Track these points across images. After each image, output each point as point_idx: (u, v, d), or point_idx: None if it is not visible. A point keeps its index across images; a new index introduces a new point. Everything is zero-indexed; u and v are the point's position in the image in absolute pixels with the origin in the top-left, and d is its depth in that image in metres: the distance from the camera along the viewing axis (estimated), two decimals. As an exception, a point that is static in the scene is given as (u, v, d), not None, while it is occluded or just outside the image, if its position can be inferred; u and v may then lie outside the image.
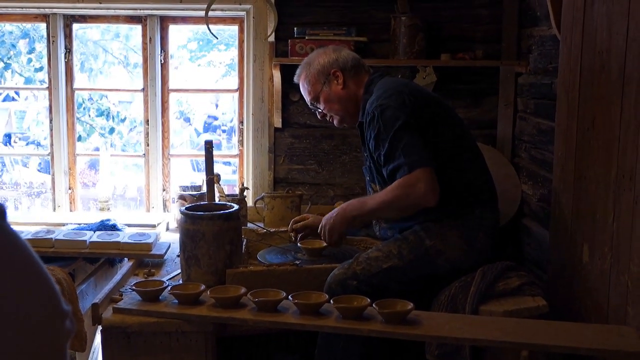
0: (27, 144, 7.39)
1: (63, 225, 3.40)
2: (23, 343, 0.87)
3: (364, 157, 2.86)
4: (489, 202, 2.71)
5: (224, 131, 8.70)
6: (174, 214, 3.70)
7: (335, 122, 2.96)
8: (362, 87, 2.84)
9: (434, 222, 2.61)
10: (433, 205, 2.50)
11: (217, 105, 8.86)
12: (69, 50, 3.90)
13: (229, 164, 7.12)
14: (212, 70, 8.66)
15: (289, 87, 3.73)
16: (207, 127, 8.72)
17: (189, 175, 7.10)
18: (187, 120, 8.67)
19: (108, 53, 8.02)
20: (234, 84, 4.05)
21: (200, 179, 3.77)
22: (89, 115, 7.39)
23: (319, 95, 2.87)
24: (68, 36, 3.89)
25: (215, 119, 8.90)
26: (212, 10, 3.64)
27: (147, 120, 3.95)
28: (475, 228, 2.62)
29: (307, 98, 2.95)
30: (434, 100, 2.78)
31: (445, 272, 2.58)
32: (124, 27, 6.94)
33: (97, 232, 3.06)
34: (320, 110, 2.93)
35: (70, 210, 3.96)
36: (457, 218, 2.61)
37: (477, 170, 2.74)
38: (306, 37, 3.64)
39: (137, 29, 3.95)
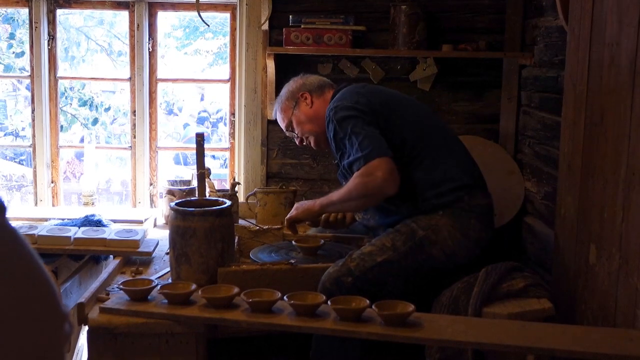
0: (6, 135, 7.34)
1: (45, 220, 3.39)
2: (23, 345, 0.86)
3: (335, 163, 3.01)
4: (476, 187, 2.76)
5: (211, 122, 8.68)
6: (162, 210, 3.69)
7: (312, 144, 3.09)
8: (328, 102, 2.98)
9: (423, 214, 2.66)
10: (393, 193, 2.62)
11: (202, 97, 8.83)
12: (52, 37, 3.88)
13: (216, 157, 7.11)
14: (198, 59, 8.63)
15: (283, 77, 3.70)
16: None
17: (172, 168, 7.08)
18: (171, 112, 8.63)
19: (91, 40, 7.97)
20: (223, 74, 4.03)
21: (185, 172, 3.75)
22: (70, 105, 7.34)
23: (291, 119, 3.05)
24: (51, 22, 3.87)
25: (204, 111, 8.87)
26: (204, -4, 3.63)
27: (134, 111, 3.93)
28: (467, 216, 2.66)
29: (283, 127, 3.14)
30: (395, 96, 2.94)
31: (441, 263, 2.63)
32: (108, 13, 6.90)
33: (82, 228, 3.04)
34: (296, 135, 3.09)
35: (53, 205, 3.94)
36: (445, 207, 2.66)
37: (458, 158, 2.80)
38: (302, 26, 3.63)
39: (122, 14, 3.93)
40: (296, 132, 3.08)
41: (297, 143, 3.16)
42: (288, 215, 2.94)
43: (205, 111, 8.85)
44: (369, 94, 2.83)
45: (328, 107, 2.86)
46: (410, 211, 2.69)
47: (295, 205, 2.96)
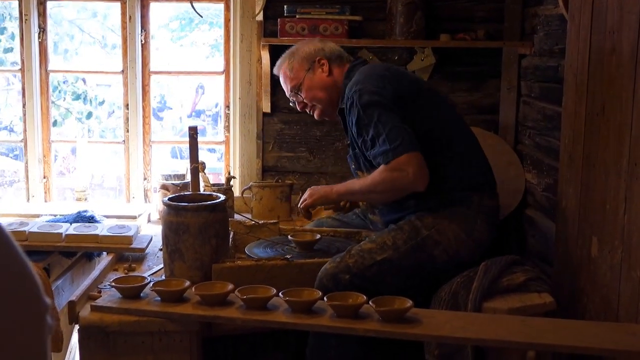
0: (-1, 130, 7.31)
1: (37, 216, 3.37)
2: (3, 336, 0.84)
3: (347, 144, 2.91)
4: (487, 189, 2.71)
5: (208, 116, 8.63)
6: (156, 205, 3.66)
7: (315, 113, 2.99)
8: (344, 75, 2.89)
9: (430, 212, 2.61)
10: (421, 190, 2.55)
11: (203, 90, 8.78)
12: (42, 30, 3.84)
13: (213, 150, 7.08)
14: (194, 51, 8.59)
15: (279, 69, 3.68)
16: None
17: (168, 162, 7.04)
18: (166, 105, 8.59)
19: (84, 33, 7.93)
20: (219, 66, 4.01)
21: (181, 166, 3.72)
22: (64, 99, 7.30)
23: (302, 82, 2.92)
24: (42, 14, 3.83)
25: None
26: (196, -14, 3.59)
27: (127, 105, 3.90)
28: (473, 216, 2.61)
29: (287, 87, 2.99)
30: (419, 84, 2.83)
31: (442, 263, 2.58)
32: (101, 5, 6.86)
33: (74, 224, 3.02)
34: (301, 99, 2.96)
35: (45, 201, 3.92)
36: (453, 206, 2.61)
37: (472, 156, 2.74)
38: (297, 16, 3.60)
39: (116, 6, 3.90)
40: (302, 97, 2.96)
41: (297, 108, 3.05)
42: (302, 202, 2.88)
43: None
44: (394, 79, 2.71)
45: (349, 86, 2.73)
46: (416, 206, 2.63)
47: (309, 190, 2.88)
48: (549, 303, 2.38)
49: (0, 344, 0.84)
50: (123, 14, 3.85)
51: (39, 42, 3.85)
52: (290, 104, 3.05)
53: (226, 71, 3.91)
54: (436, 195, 2.59)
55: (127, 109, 3.90)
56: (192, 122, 8.20)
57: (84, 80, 7.48)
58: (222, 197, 2.66)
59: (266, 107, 3.79)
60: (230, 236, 2.83)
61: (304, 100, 2.96)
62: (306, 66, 2.91)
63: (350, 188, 2.74)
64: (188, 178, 3.47)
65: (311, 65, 2.91)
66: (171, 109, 8.59)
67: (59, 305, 2.72)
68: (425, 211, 2.61)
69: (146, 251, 2.98)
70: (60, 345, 2.59)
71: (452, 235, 2.57)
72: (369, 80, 2.68)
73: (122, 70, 3.90)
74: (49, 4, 3.87)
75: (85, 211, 3.26)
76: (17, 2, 3.81)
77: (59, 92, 7.10)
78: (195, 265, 2.53)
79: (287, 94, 3.02)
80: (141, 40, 3.87)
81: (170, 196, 2.70)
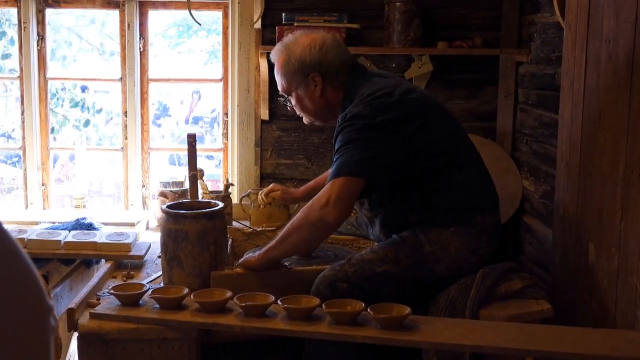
0: (-2, 137, 7.31)
1: (36, 223, 3.38)
2: (8, 337, 0.85)
3: None
4: (490, 207, 2.65)
5: (206, 122, 8.65)
6: (154, 212, 3.66)
7: (304, 120, 2.87)
8: (342, 90, 2.70)
9: (436, 227, 2.54)
10: (332, 220, 2.40)
11: (199, 95, 8.80)
12: (41, 37, 3.85)
13: (211, 157, 7.09)
14: (192, 57, 8.60)
15: (277, 76, 3.70)
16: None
17: (167, 169, 7.05)
18: (166, 111, 8.60)
19: (83, 40, 7.94)
20: (217, 73, 4.02)
21: (180, 173, 3.73)
22: (62, 106, 7.30)
23: (292, 92, 2.75)
24: (40, 22, 3.84)
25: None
26: (195, -6, 3.61)
27: (125, 112, 3.91)
28: (477, 234, 2.56)
29: (279, 87, 2.81)
30: (423, 105, 2.62)
31: (444, 277, 2.54)
32: (99, 13, 6.87)
33: (73, 232, 3.02)
34: (290, 103, 2.81)
35: (44, 208, 3.92)
36: (458, 225, 2.54)
37: (476, 175, 2.66)
38: (295, 24, 3.61)
39: (114, 14, 3.91)
40: (291, 104, 2.78)
41: (288, 108, 2.86)
42: (238, 262, 2.65)
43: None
44: (395, 104, 2.51)
45: (351, 107, 2.55)
46: (425, 220, 2.56)
47: (246, 257, 2.65)
48: (546, 310, 2.39)
49: (5, 344, 0.86)
50: (121, 21, 3.86)
51: (38, 50, 3.85)
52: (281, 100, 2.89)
53: (224, 78, 3.92)
54: (443, 214, 2.54)
55: (126, 116, 3.91)
56: (190, 129, 8.22)
57: (82, 87, 7.48)
58: (221, 204, 2.66)
59: (264, 114, 3.80)
60: (229, 243, 2.84)
61: (294, 107, 2.80)
62: (298, 79, 2.69)
63: (270, 244, 2.55)
64: (186, 185, 3.48)
65: (303, 79, 2.68)
66: (170, 116, 8.61)
67: (57, 313, 2.71)
68: (432, 226, 2.54)
69: (145, 258, 2.98)
70: (59, 352, 2.59)
71: (455, 251, 2.52)
72: (365, 105, 2.52)
73: (121, 78, 3.91)
74: (47, 11, 3.88)
75: (84, 218, 3.27)
76: (15, 10, 3.82)
77: (57, 99, 7.11)
78: (194, 273, 2.53)
79: (279, 87, 2.83)
80: (140, 48, 3.88)
81: (169, 203, 2.70)
